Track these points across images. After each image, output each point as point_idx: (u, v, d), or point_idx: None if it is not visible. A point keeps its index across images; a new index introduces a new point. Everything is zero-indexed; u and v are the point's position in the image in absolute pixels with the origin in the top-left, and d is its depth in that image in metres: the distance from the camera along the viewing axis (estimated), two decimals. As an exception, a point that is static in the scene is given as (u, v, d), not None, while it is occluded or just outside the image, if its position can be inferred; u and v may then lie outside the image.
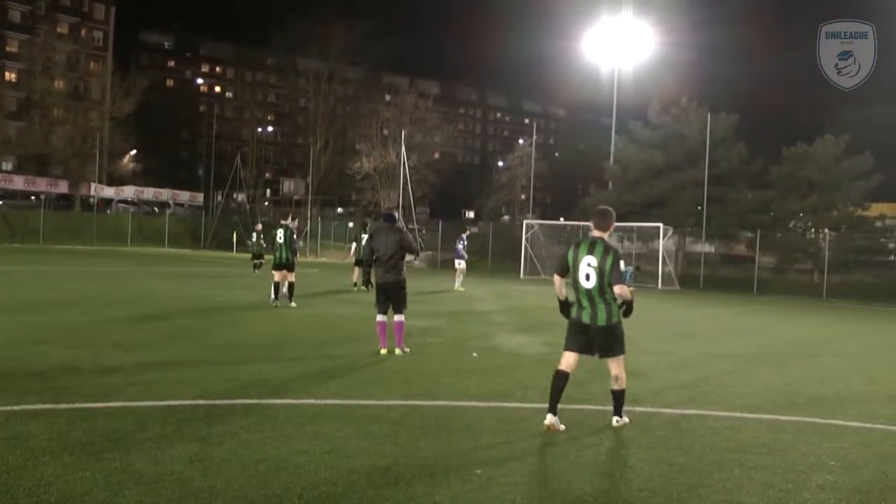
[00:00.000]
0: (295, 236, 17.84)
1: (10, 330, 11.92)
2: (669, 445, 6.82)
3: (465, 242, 27.08)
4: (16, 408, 7.06)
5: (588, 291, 7.25)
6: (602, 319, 7.20)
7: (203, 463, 5.64)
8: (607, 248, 7.20)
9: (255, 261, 29.04)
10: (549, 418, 7.10)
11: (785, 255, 40.65)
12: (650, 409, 8.20)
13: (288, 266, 17.46)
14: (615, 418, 7.38)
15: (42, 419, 6.72)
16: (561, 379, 7.25)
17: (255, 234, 29.91)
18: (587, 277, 7.22)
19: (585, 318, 7.30)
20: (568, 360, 7.36)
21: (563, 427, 7.08)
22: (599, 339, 7.25)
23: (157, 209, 72.84)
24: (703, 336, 16.04)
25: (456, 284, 26.04)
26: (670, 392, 9.06)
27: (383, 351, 10.96)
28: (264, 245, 28.24)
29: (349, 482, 5.36)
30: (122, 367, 9.27)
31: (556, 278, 7.57)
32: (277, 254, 17.48)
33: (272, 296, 17.61)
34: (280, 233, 17.58)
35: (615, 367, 7.32)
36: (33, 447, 5.86)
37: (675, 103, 45.33)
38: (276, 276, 17.53)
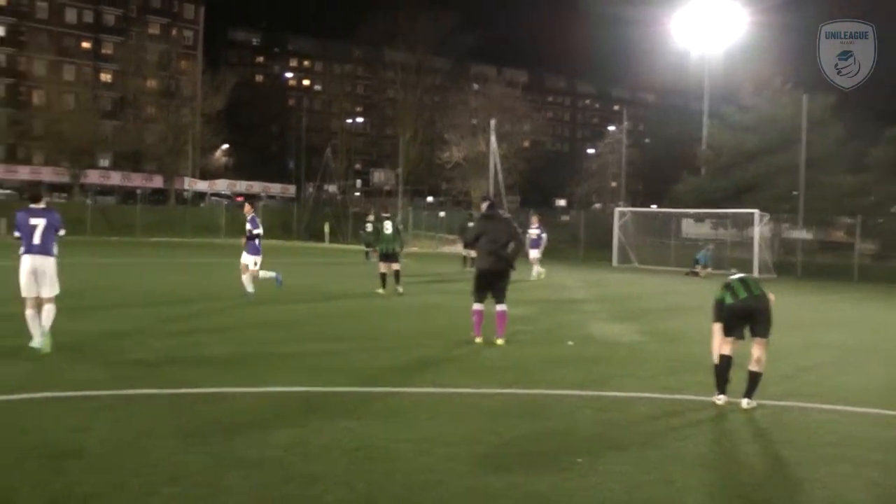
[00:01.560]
0: (396, 229, 18.13)
1: (111, 320, 12.35)
2: (772, 438, 6.69)
3: (536, 231, 25.90)
4: (120, 392, 7.36)
5: (741, 278, 7.82)
6: (757, 290, 7.65)
7: (303, 448, 5.76)
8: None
9: (368, 249, 30.58)
10: (723, 399, 7.61)
11: (887, 241, 38.94)
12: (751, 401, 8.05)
13: (394, 257, 17.87)
14: (745, 400, 7.56)
15: (146, 404, 7.02)
16: (726, 361, 7.64)
17: (368, 225, 31.45)
18: (735, 272, 7.94)
19: (741, 293, 7.64)
20: (728, 346, 7.70)
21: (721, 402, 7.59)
22: (756, 313, 7.61)
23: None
24: (803, 326, 15.55)
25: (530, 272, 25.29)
26: (771, 383, 8.83)
27: (478, 340, 10.87)
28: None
29: (447, 469, 5.41)
30: (218, 355, 9.54)
31: (716, 330, 7.77)
32: (384, 245, 17.86)
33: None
34: (388, 225, 17.96)
35: (759, 349, 7.63)
36: (139, 430, 6.11)
37: (769, 85, 43.90)
38: (383, 267, 17.91)
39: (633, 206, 51.78)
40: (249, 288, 15.98)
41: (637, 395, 8.03)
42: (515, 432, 6.46)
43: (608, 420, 7.02)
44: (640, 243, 37.15)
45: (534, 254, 25.55)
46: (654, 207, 46.94)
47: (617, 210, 40.17)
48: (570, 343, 11.49)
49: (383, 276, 17.90)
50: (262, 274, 16.41)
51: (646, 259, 35.42)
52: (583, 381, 8.65)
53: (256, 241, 16.08)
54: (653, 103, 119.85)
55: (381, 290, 17.68)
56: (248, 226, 16.30)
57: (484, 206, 11.50)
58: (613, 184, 73.42)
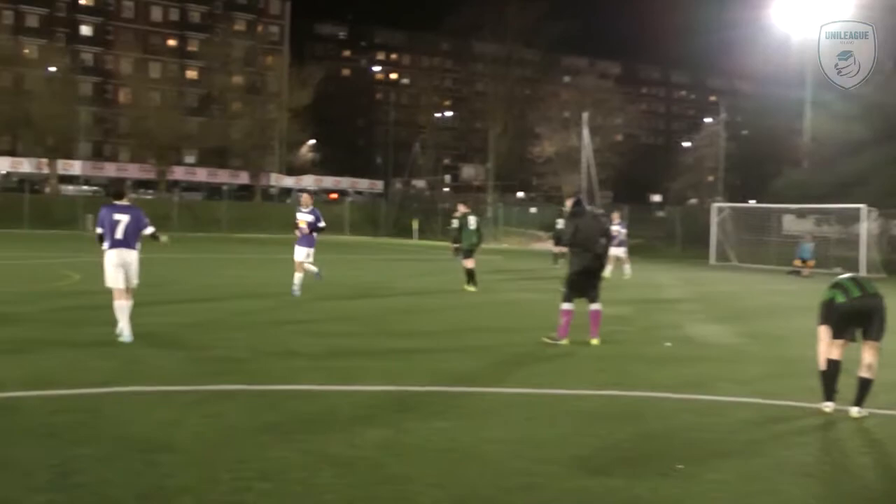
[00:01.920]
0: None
1: (198, 314, 12.57)
2: (884, 450, 6.36)
3: (616, 227, 24.12)
4: (210, 387, 7.46)
5: (853, 277, 7.50)
6: (871, 289, 7.29)
7: (396, 449, 5.72)
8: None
9: (456, 245, 30.27)
10: (831, 406, 7.24)
11: None
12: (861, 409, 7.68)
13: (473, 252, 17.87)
14: (855, 408, 7.15)
15: (236, 400, 7.06)
16: (834, 366, 7.26)
17: (454, 221, 31.03)
18: (840, 270, 7.37)
19: (855, 292, 7.26)
20: (838, 350, 7.31)
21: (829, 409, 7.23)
22: (871, 314, 7.20)
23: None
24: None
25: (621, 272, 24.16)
26: (882, 391, 8.36)
27: (564, 342, 10.48)
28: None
29: (542, 472, 5.32)
30: (306, 351, 9.58)
31: (822, 333, 7.37)
32: (468, 241, 17.85)
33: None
34: (472, 220, 17.96)
35: (871, 353, 7.21)
36: (229, 426, 6.16)
37: (878, 70, 41.86)
38: (470, 263, 17.86)
39: (730, 201, 50.35)
40: (315, 269, 15.90)
41: (738, 400, 7.75)
42: (612, 435, 6.32)
43: (708, 425, 6.79)
44: (738, 240, 36.08)
45: (616, 251, 23.95)
46: (752, 203, 45.52)
47: (714, 206, 39.14)
48: (668, 344, 11.17)
49: (470, 272, 17.85)
50: (308, 268, 15.75)
51: (745, 257, 34.36)
52: (681, 384, 8.39)
53: (315, 235, 15.59)
54: (751, 93, 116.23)
55: (472, 288, 17.66)
56: (310, 217, 15.48)
57: (569, 203, 11.19)
58: (710, 178, 71.67)
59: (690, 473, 5.41)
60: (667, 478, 5.31)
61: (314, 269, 15.90)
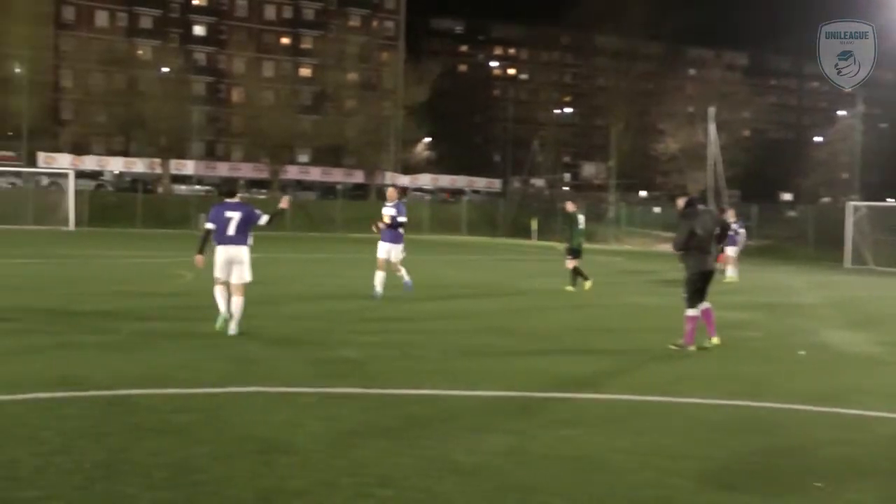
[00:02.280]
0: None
1: (312, 315, 12.64)
2: None
3: (733, 224, 21.90)
4: (329, 390, 7.47)
5: None
6: None
7: (520, 456, 5.62)
8: None
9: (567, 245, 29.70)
10: None
11: None
12: None
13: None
14: None
15: (354, 402, 7.08)
16: None
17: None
18: None
19: None
20: None
21: None
22: None
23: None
24: None
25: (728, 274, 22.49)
26: None
27: (692, 348, 10.22)
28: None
29: (674, 485, 5.15)
30: (423, 353, 9.56)
31: None
32: (578, 240, 17.59)
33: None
34: (581, 219, 17.76)
35: None
36: (348, 429, 6.14)
37: None
38: (575, 263, 17.59)
39: (867, 199, 47.84)
40: (407, 277, 15.22)
41: (882, 415, 7.31)
42: (745, 448, 6.07)
43: (848, 441, 6.43)
44: (876, 242, 34.15)
45: (729, 251, 22.47)
46: (891, 202, 43.08)
47: (850, 204, 37.24)
48: (802, 352, 10.68)
49: (577, 270, 17.54)
50: (379, 278, 14.80)
51: (882, 260, 32.49)
52: (817, 396, 8.00)
53: (400, 231, 14.93)
54: (891, 82, 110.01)
55: (587, 285, 17.44)
56: (392, 211, 14.80)
57: (681, 203, 10.75)
58: (844, 175, 68.38)
59: (829, 492, 5.15)
60: (803, 496, 5.09)
61: (406, 277, 15.22)
